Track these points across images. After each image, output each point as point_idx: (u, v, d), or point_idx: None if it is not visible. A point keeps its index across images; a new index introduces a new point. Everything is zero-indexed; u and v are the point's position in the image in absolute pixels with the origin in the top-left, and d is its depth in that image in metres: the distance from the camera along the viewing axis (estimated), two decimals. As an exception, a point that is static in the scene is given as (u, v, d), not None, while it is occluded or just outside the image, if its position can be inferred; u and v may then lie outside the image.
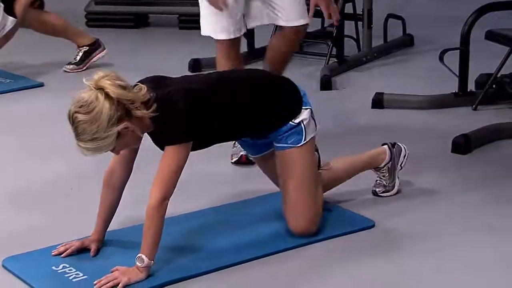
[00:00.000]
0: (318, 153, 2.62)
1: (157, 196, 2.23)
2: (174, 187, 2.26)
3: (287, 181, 2.46)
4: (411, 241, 2.51)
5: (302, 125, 2.44)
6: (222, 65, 3.01)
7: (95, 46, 4.33)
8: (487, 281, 2.29)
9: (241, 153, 3.08)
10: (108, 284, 2.20)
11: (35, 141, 3.40)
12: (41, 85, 4.15)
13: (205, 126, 2.31)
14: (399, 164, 2.79)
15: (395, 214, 2.67)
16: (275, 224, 2.55)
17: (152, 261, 2.24)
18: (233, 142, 3.13)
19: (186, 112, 2.25)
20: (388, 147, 2.77)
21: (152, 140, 2.34)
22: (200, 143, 2.37)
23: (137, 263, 2.23)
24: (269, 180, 2.65)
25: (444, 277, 2.31)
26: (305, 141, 2.44)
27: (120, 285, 2.20)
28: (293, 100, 2.47)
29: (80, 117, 2.16)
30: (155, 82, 2.29)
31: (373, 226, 2.58)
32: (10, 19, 4.10)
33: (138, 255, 2.23)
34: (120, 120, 2.18)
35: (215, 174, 3.01)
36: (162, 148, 2.30)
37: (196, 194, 2.82)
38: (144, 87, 2.24)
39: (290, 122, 2.44)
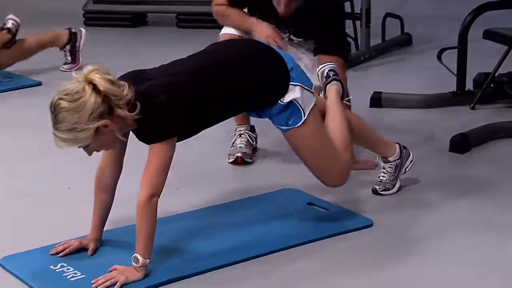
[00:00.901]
0: (341, 83, 2.64)
1: (145, 194, 2.21)
2: (163, 184, 2.23)
3: (303, 159, 2.50)
4: (409, 240, 2.51)
5: (297, 104, 2.40)
6: None
7: (74, 38, 4.34)
8: (488, 280, 2.29)
9: (237, 154, 3.08)
10: (105, 283, 2.20)
11: (33, 140, 3.40)
12: (39, 84, 4.15)
13: (188, 118, 2.28)
14: (405, 167, 2.80)
15: (393, 213, 2.67)
16: (272, 223, 2.54)
17: (148, 260, 2.23)
18: (232, 141, 3.13)
19: (166, 108, 2.22)
20: (400, 147, 2.79)
21: (136, 137, 2.31)
22: (187, 133, 2.35)
23: (133, 263, 2.22)
24: (265, 180, 2.65)
25: (443, 276, 2.31)
26: (305, 117, 2.42)
27: (117, 284, 2.20)
28: (277, 75, 2.40)
29: (63, 103, 2.14)
30: (134, 78, 2.26)
31: (371, 225, 2.58)
32: None
33: (133, 255, 2.23)
34: (101, 116, 2.15)
35: (211, 174, 3.00)
36: (148, 143, 2.28)
37: (191, 194, 2.81)
38: (126, 85, 2.20)
39: (279, 102, 2.40)
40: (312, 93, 2.47)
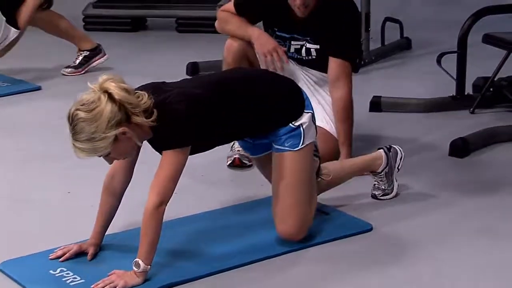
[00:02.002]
0: (319, 159, 2.61)
1: (154, 200, 2.22)
2: (172, 192, 2.25)
3: (279, 183, 2.45)
4: (409, 244, 2.50)
5: (301, 129, 2.43)
6: None
7: (95, 52, 4.33)
8: (487, 285, 2.29)
9: (235, 156, 3.08)
10: None
11: (33, 145, 3.40)
12: (38, 88, 4.15)
13: (204, 130, 2.30)
14: (396, 167, 2.79)
15: (392, 217, 2.67)
16: (271, 228, 2.53)
17: (149, 266, 2.24)
18: (231, 145, 3.13)
19: (185, 117, 2.24)
20: (384, 151, 2.77)
21: (152, 146, 2.33)
22: (200, 147, 2.37)
23: (134, 268, 2.23)
24: (265, 184, 2.65)
25: (443, 281, 2.31)
26: (302, 145, 2.43)
27: None
28: (294, 101, 2.46)
29: (81, 114, 2.16)
30: (154, 89, 2.29)
31: (371, 229, 2.58)
32: (13, 30, 4.11)
33: (135, 259, 2.23)
34: (119, 124, 2.18)
35: (210, 179, 2.99)
36: (160, 153, 2.30)
37: (190, 198, 2.81)
38: (145, 94, 2.23)
39: (290, 124, 2.43)
40: (316, 130, 2.49)
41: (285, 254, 2.42)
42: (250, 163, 3.09)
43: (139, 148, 2.31)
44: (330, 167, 2.67)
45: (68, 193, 2.91)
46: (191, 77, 2.40)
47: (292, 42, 3.03)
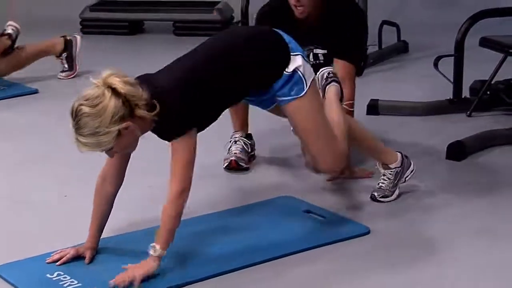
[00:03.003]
0: (340, 85, 2.69)
1: (176, 188, 2.25)
2: (191, 177, 2.27)
3: (302, 135, 2.52)
4: (406, 247, 2.51)
5: (299, 72, 2.44)
6: None
7: (69, 46, 4.33)
8: (487, 285, 2.29)
9: (231, 158, 3.08)
10: (125, 281, 2.20)
11: (29, 148, 3.40)
12: (35, 91, 4.16)
13: (203, 109, 2.32)
14: (405, 176, 2.81)
15: (390, 220, 2.68)
16: (268, 231, 2.54)
17: (165, 252, 2.25)
18: (228, 148, 3.14)
19: (181, 103, 2.25)
20: (402, 155, 2.81)
21: (157, 135, 2.34)
22: (206, 122, 2.38)
23: (150, 252, 2.24)
24: (262, 187, 2.65)
25: (443, 281, 2.31)
26: (307, 88, 2.45)
27: (137, 279, 2.20)
28: (278, 50, 2.45)
29: (85, 109, 2.15)
30: (145, 81, 2.28)
31: (368, 232, 2.58)
32: None
33: (152, 244, 2.24)
34: (122, 119, 2.18)
35: (208, 182, 2.97)
36: (170, 140, 2.30)
37: (188, 201, 2.80)
38: (142, 87, 2.23)
39: (284, 72, 2.43)
40: (311, 65, 2.52)
41: (282, 257, 2.42)
42: (246, 166, 3.10)
43: (136, 143, 2.31)
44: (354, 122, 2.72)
45: (65, 197, 2.90)
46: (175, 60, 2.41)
47: None
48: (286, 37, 2.49)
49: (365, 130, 2.78)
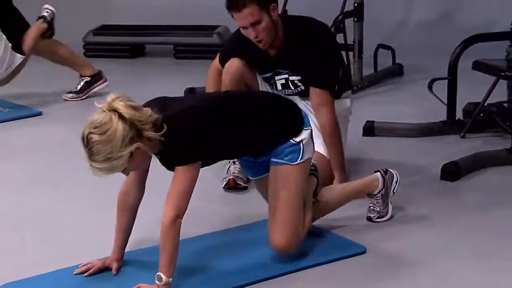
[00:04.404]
0: (317, 178, 2.66)
1: (170, 215, 2.28)
2: (186, 206, 2.31)
3: (275, 195, 2.49)
4: (402, 267, 2.53)
5: (301, 144, 2.49)
6: None
7: (97, 77, 4.41)
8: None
9: (229, 177, 3.12)
10: None
11: (34, 169, 3.43)
12: (39, 114, 4.19)
13: (213, 144, 2.36)
14: (392, 190, 2.83)
15: (386, 240, 2.70)
16: (265, 250, 2.55)
17: (171, 278, 2.29)
18: (226, 168, 3.14)
19: (195, 132, 2.30)
20: (381, 174, 2.81)
21: (160, 160, 2.38)
22: (208, 160, 2.42)
23: (156, 281, 2.28)
24: (260, 207, 2.67)
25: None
26: (301, 160, 2.49)
27: None
28: (295, 119, 2.53)
29: (95, 137, 2.21)
30: (160, 104, 2.35)
31: (364, 251, 2.60)
32: (18, 56, 4.19)
33: (157, 273, 2.28)
34: (132, 141, 2.23)
35: (206, 202, 3.00)
36: (169, 168, 2.36)
37: (187, 220, 2.83)
38: (149, 109, 2.29)
39: (291, 140, 2.49)
40: (314, 146, 2.56)
41: (279, 277, 2.44)
42: (244, 185, 3.12)
43: (149, 160, 2.38)
44: (326, 193, 2.71)
45: (68, 217, 2.93)
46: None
47: (276, 78, 3.08)
48: (303, 111, 2.57)
49: (340, 189, 2.76)
